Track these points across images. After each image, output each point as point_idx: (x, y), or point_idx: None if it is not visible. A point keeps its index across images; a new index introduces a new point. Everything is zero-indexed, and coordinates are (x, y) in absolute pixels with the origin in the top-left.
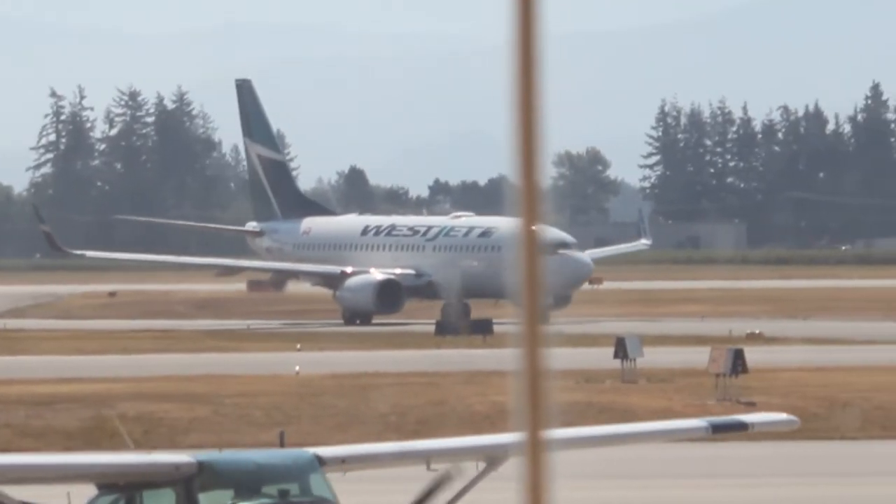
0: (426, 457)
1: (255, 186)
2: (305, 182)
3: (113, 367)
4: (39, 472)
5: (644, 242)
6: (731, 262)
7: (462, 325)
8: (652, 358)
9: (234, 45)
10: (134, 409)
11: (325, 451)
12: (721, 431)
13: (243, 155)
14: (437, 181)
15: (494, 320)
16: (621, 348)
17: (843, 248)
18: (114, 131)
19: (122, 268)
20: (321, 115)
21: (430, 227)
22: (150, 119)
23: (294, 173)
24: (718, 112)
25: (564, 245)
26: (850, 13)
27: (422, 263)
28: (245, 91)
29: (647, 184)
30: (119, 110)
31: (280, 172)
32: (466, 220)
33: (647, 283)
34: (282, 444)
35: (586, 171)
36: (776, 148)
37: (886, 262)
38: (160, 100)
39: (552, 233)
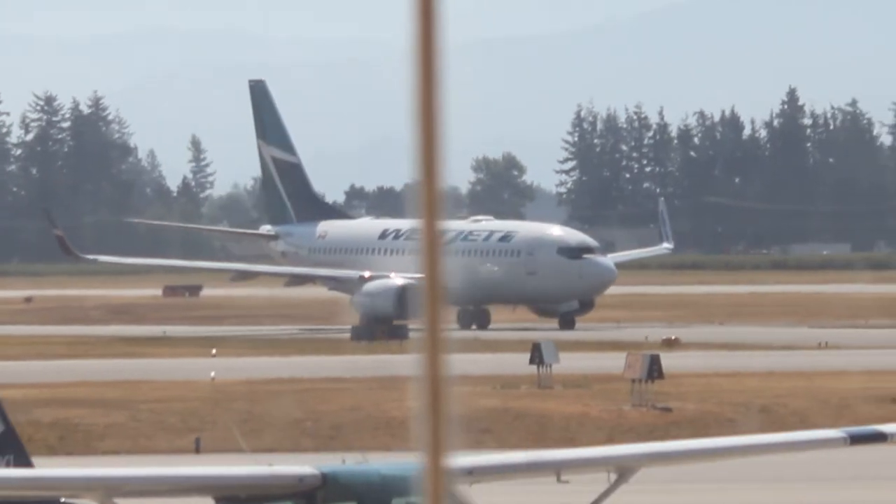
0: (556, 468)
1: (269, 189)
2: (221, 187)
3: (28, 372)
4: (157, 484)
5: (666, 246)
6: (647, 268)
7: (378, 331)
8: (568, 364)
9: (150, 51)
10: (49, 415)
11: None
12: (859, 443)
13: (160, 159)
14: (352, 186)
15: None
16: (537, 354)
17: (764, 251)
18: (30, 136)
19: (134, 272)
20: (236, 120)
21: (448, 231)
22: (65, 124)
23: (211, 178)
24: (634, 117)
25: (588, 250)
26: (766, 19)
27: None
28: (258, 92)
29: (563, 189)
30: (35, 115)
31: (295, 175)
32: (486, 223)
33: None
34: (197, 450)
35: (502, 177)
36: (692, 153)
37: (802, 267)
38: (76, 105)
39: (576, 237)
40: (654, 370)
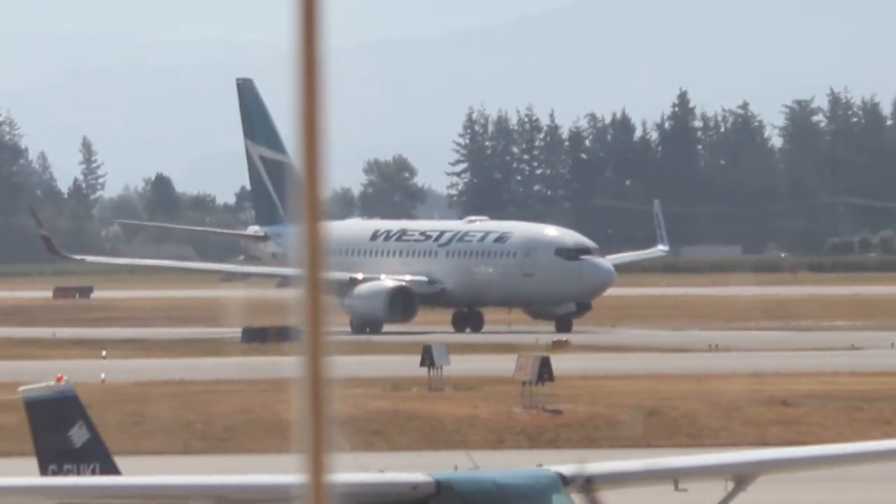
0: (674, 475)
1: (257, 189)
2: (112, 189)
3: None
4: (268, 492)
5: (661, 249)
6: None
7: (270, 333)
8: (459, 366)
9: (40, 54)
10: None
11: (569, 469)
12: None
13: (50, 161)
14: (243, 188)
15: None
16: (428, 356)
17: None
18: None
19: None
20: (126, 122)
21: (442, 232)
22: None
23: (102, 181)
24: (525, 119)
25: (587, 251)
26: (657, 21)
27: (434, 270)
28: (246, 91)
29: (454, 191)
30: None
31: (285, 174)
32: (481, 224)
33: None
34: None
35: (393, 179)
36: (583, 155)
37: (692, 269)
38: None
39: (574, 238)
40: (545, 372)
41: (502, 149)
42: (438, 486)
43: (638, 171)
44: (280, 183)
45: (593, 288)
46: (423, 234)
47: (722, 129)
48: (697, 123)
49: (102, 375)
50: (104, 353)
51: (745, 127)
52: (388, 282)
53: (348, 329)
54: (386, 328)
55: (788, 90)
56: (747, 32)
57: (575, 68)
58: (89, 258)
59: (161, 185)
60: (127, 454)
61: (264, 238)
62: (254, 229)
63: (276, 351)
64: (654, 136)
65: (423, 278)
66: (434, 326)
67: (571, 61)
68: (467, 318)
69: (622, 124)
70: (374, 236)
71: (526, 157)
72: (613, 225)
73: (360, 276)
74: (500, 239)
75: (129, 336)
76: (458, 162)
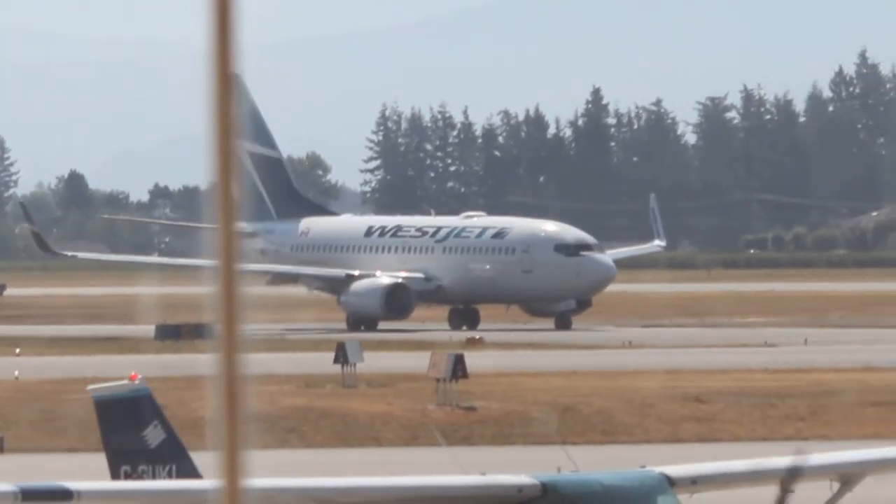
0: (780, 476)
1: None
2: (25, 186)
3: None
4: (373, 495)
5: (658, 244)
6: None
7: (184, 330)
8: (373, 363)
9: None
10: None
11: (675, 470)
12: None
13: None
14: (156, 185)
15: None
16: (342, 353)
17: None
18: None
19: (104, 268)
20: (39, 119)
21: (439, 228)
22: None
23: (15, 178)
24: (439, 116)
25: (587, 247)
26: (571, 18)
27: (431, 266)
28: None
29: (367, 188)
30: None
31: (275, 170)
32: (478, 220)
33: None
34: (1, 450)
35: (307, 176)
36: (497, 153)
37: None
38: None
39: (574, 234)
40: (459, 369)
41: (416, 146)
42: (544, 488)
43: (551, 169)
44: (270, 179)
45: (593, 284)
46: (419, 229)
47: (635, 127)
48: (611, 120)
49: (16, 373)
50: (18, 350)
51: (658, 124)
52: (384, 279)
53: (344, 326)
54: (381, 325)
55: (702, 87)
56: (660, 29)
57: (488, 66)
58: (80, 254)
59: (74, 182)
60: (41, 452)
61: (252, 234)
62: (241, 226)
63: (190, 348)
64: (567, 133)
65: (420, 275)
66: (429, 324)
67: (485, 59)
68: (463, 315)
69: (536, 121)
70: (369, 232)
71: (439, 154)
72: None
73: (356, 272)
74: (499, 235)
75: (43, 333)
76: (371, 159)
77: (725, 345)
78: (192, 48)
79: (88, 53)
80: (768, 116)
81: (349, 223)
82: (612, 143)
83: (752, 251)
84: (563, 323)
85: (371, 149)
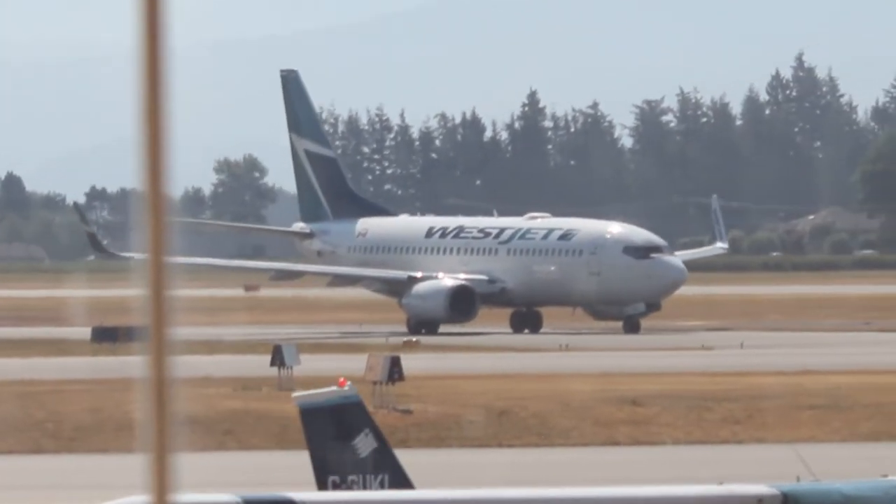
0: None
1: (302, 185)
2: None
3: None
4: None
5: (721, 246)
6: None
7: (120, 333)
8: (309, 365)
9: None
10: None
11: None
12: None
13: None
14: (93, 188)
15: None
16: (278, 356)
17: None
18: None
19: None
20: None
21: (503, 229)
22: None
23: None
24: (376, 119)
25: (656, 249)
26: (507, 21)
27: (494, 268)
28: (291, 82)
29: None
30: None
31: (331, 169)
32: (543, 221)
33: (306, 290)
34: None
35: (244, 178)
36: (434, 155)
37: None
38: None
39: (643, 235)
40: (395, 372)
41: (353, 148)
42: (785, 498)
43: (488, 171)
44: (325, 178)
45: (664, 287)
46: (481, 231)
47: (572, 129)
48: (547, 123)
49: None
50: None
51: (594, 127)
52: (447, 280)
53: (404, 329)
54: (442, 328)
55: (638, 90)
56: (597, 32)
57: (425, 69)
58: (137, 256)
59: (11, 184)
60: None
61: (310, 235)
62: (299, 226)
63: (126, 351)
64: (503, 136)
65: (483, 277)
66: (490, 327)
67: (422, 62)
68: (525, 318)
69: (472, 124)
70: (430, 233)
71: (377, 156)
72: None
73: (419, 274)
74: (565, 236)
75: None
76: None
77: (662, 348)
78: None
79: (25, 55)
80: (705, 119)
81: (409, 224)
82: (549, 146)
83: None
84: (632, 326)
85: None
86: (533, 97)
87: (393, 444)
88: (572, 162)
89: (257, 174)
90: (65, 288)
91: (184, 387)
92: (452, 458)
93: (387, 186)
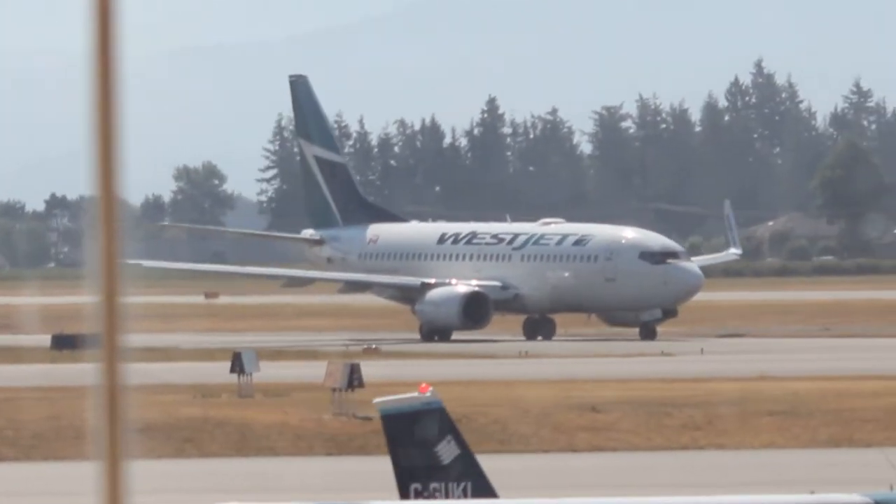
0: None
1: (311, 191)
2: None
3: None
4: None
5: (734, 252)
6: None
7: (79, 340)
8: (269, 372)
9: None
10: None
11: None
12: None
13: None
14: (53, 195)
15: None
16: (238, 363)
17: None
18: None
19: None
20: None
21: (516, 235)
22: None
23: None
24: (335, 126)
25: (673, 254)
26: (465, 28)
27: (508, 274)
28: (300, 87)
29: (264, 198)
30: None
31: (340, 175)
32: (557, 227)
33: (266, 297)
34: None
35: (203, 186)
36: (393, 162)
37: None
38: None
39: (660, 241)
40: (355, 379)
41: None
42: None
43: (447, 178)
44: (335, 184)
45: (680, 293)
46: (494, 236)
47: (531, 136)
48: (506, 130)
49: None
50: None
51: (553, 133)
52: (461, 287)
53: (417, 336)
54: (454, 335)
55: (597, 96)
56: (555, 38)
57: (384, 75)
58: (145, 263)
59: None
60: None
61: (319, 242)
62: (308, 233)
63: (86, 358)
64: (463, 142)
65: (497, 283)
66: (503, 334)
67: (380, 68)
68: (539, 324)
69: (431, 131)
70: (442, 239)
71: None
72: None
73: (432, 280)
74: (580, 242)
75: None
76: (267, 168)
77: (622, 354)
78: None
79: None
80: (664, 126)
81: (420, 230)
82: (508, 153)
83: None
84: (648, 333)
85: (267, 158)
86: (492, 103)
87: (351, 451)
88: (531, 168)
89: (216, 181)
90: (25, 295)
91: (144, 394)
92: None
93: None
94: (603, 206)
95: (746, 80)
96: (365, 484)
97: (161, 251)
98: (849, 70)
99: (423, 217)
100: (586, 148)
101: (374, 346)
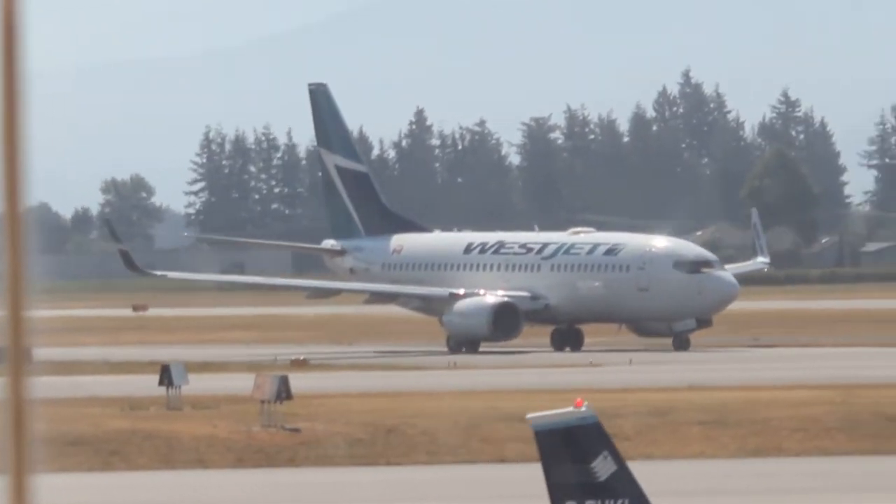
0: None
1: (332, 201)
2: None
3: None
4: None
5: (762, 261)
6: (275, 289)
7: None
8: (198, 385)
9: None
10: None
11: None
12: None
13: None
14: None
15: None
16: (166, 375)
17: None
18: None
19: (205, 289)
20: None
21: (545, 244)
22: None
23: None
24: (263, 138)
25: (707, 263)
26: (392, 38)
27: (537, 284)
28: (320, 96)
29: (192, 210)
30: None
31: (362, 185)
32: (587, 236)
33: (194, 309)
34: None
35: (131, 198)
36: (320, 174)
37: None
38: None
39: (694, 250)
40: (283, 391)
41: (240, 168)
42: None
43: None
44: (357, 194)
45: (715, 303)
46: (523, 246)
47: (459, 147)
48: (434, 141)
49: None
50: None
51: (482, 144)
52: (490, 297)
53: (444, 349)
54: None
55: (525, 108)
56: (483, 50)
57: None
58: (171, 274)
59: None
60: None
61: (341, 252)
62: (330, 243)
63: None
64: (391, 154)
65: (525, 293)
66: (531, 345)
67: (307, 80)
68: (567, 335)
69: (359, 142)
70: (468, 249)
71: (263, 175)
72: None
73: (461, 291)
74: (611, 251)
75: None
76: (195, 181)
77: (550, 365)
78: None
79: None
80: (592, 136)
81: (446, 240)
82: (437, 164)
83: None
84: (682, 343)
85: (195, 171)
86: (420, 115)
87: (280, 463)
88: (459, 179)
89: (144, 194)
90: None
91: (72, 407)
92: (340, 477)
93: (274, 205)
94: (531, 218)
95: (674, 90)
96: (295, 496)
97: (92, 265)
98: (776, 80)
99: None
100: (514, 159)
101: (302, 357)
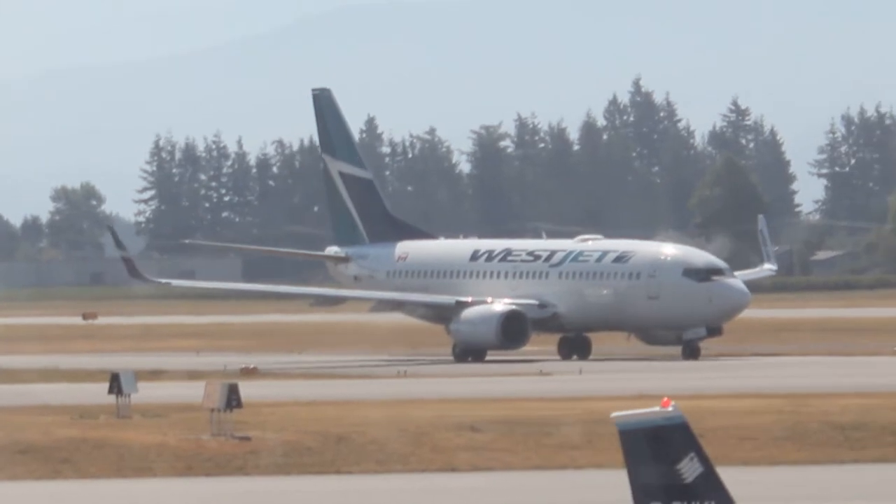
0: None
1: (336, 207)
2: None
3: None
4: None
5: (769, 268)
6: (228, 297)
7: None
8: (147, 393)
9: None
10: None
11: None
12: None
13: None
14: None
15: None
16: (116, 384)
17: None
18: None
19: (210, 297)
20: None
21: (553, 252)
22: None
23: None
24: (213, 146)
25: (718, 271)
26: (343, 47)
27: (545, 292)
28: (324, 101)
29: (142, 218)
30: None
31: (367, 191)
32: (595, 243)
33: (142, 317)
34: None
35: (81, 206)
36: (271, 182)
37: None
38: None
39: (704, 258)
40: (233, 399)
41: (190, 176)
42: None
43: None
44: (361, 200)
45: (726, 311)
46: (530, 253)
47: (410, 155)
48: (385, 149)
49: None
50: None
51: (432, 153)
52: (498, 305)
53: (450, 358)
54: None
55: (476, 116)
56: (433, 58)
57: (261, 95)
58: (175, 282)
59: None
60: None
61: (345, 259)
62: (333, 250)
63: None
64: None
65: (533, 301)
66: (538, 354)
67: (257, 89)
68: (574, 343)
69: (310, 151)
70: (475, 256)
71: (214, 184)
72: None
73: (468, 299)
74: (621, 259)
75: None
76: (145, 189)
77: (500, 374)
78: None
79: None
80: (542, 145)
81: (452, 247)
82: (387, 172)
83: None
84: (691, 352)
85: (145, 179)
86: (371, 123)
87: (230, 471)
88: (410, 188)
89: (94, 202)
90: None
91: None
92: (290, 486)
93: (224, 214)
94: (481, 227)
95: (624, 98)
96: None
97: (39, 273)
98: (727, 88)
99: (298, 238)
100: (465, 167)
101: (252, 366)
